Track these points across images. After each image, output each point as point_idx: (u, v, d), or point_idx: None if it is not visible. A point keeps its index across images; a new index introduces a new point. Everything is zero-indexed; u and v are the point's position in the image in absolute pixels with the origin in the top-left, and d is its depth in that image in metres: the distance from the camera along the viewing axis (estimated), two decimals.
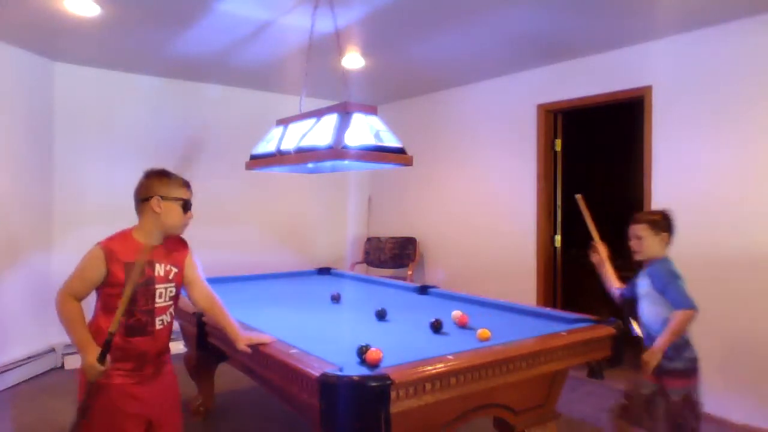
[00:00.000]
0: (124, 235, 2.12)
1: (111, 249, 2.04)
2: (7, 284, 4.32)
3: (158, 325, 2.16)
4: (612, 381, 4.38)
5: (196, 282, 2.32)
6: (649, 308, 2.67)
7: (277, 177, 5.64)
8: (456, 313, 2.63)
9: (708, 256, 3.70)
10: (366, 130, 2.69)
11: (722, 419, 3.61)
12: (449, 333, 2.44)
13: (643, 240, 2.67)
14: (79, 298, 2.03)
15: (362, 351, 1.95)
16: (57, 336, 4.79)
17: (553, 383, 2.47)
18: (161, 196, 2.10)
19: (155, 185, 2.12)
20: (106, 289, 2.02)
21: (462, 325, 2.57)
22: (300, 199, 6.19)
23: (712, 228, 3.69)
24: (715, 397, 3.67)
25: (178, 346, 5.03)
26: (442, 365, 1.84)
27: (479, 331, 2.27)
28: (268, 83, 5.53)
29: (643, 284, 2.72)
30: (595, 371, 2.60)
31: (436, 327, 2.48)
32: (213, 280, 4.08)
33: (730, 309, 3.59)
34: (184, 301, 3.19)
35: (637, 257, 2.74)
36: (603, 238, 3.12)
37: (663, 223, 2.67)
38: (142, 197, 2.12)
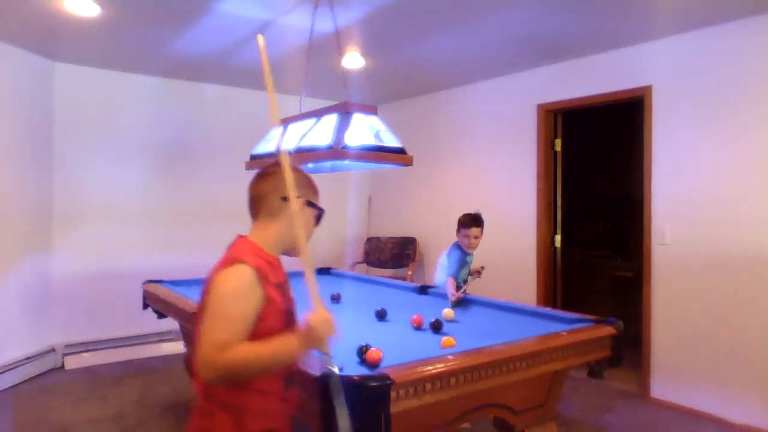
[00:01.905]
0: (252, 246, 1.51)
1: (259, 266, 1.42)
2: (7, 284, 4.32)
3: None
4: (612, 381, 4.39)
5: None
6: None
7: None
8: (447, 312, 2.69)
9: (708, 255, 3.70)
10: (366, 130, 2.69)
11: (722, 419, 3.61)
12: (448, 332, 2.44)
13: (479, 239, 3.52)
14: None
15: (362, 351, 1.95)
16: (57, 336, 4.80)
17: (553, 383, 2.47)
18: (308, 201, 1.59)
19: (301, 183, 1.56)
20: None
21: (418, 326, 2.58)
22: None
23: (712, 227, 3.69)
24: (715, 397, 3.67)
25: (178, 346, 5.06)
26: (442, 365, 1.84)
27: (443, 339, 2.22)
28: None
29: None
30: (595, 371, 2.60)
31: (436, 327, 2.48)
32: None
33: (730, 308, 3.59)
34: (184, 300, 3.21)
35: (471, 251, 3.53)
36: (603, 237, 3.12)
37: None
38: (282, 194, 1.52)
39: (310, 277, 1.49)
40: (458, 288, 3.29)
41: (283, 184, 1.48)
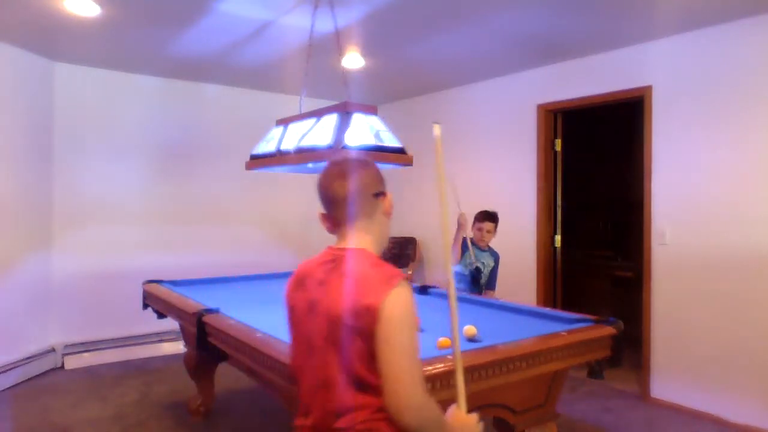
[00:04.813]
0: (373, 255, 1.38)
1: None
2: (8, 284, 4.32)
3: None
4: (612, 381, 4.39)
5: None
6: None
7: (277, 177, 5.63)
8: (469, 330, 2.36)
9: (708, 255, 3.70)
10: (366, 130, 2.69)
11: (722, 419, 3.61)
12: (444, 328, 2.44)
13: (492, 234, 3.80)
14: None
15: None
16: (57, 336, 4.80)
17: (553, 383, 2.47)
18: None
19: (381, 178, 1.44)
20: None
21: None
22: (300, 199, 6.19)
23: (712, 227, 3.69)
24: (715, 397, 3.67)
25: (178, 347, 5.06)
26: (442, 365, 1.84)
27: (440, 340, 2.20)
28: (268, 83, 5.53)
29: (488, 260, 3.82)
30: (595, 371, 2.61)
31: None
32: (213, 280, 4.11)
33: (731, 308, 3.59)
34: (184, 300, 3.21)
35: (482, 244, 3.81)
36: (603, 237, 3.12)
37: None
38: (375, 191, 1.41)
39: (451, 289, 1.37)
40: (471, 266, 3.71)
41: (372, 180, 1.39)
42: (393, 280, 1.24)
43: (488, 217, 3.81)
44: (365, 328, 1.21)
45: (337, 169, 1.40)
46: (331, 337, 1.25)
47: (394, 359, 1.19)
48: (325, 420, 1.28)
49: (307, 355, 1.32)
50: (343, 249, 1.37)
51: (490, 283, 3.86)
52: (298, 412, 1.39)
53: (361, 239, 1.39)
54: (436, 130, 1.49)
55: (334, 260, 1.35)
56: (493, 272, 3.89)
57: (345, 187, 1.36)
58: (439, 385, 1.81)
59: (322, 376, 1.28)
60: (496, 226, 3.84)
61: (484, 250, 3.84)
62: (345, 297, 1.24)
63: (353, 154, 1.45)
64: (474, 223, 3.83)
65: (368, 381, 1.23)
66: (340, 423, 1.25)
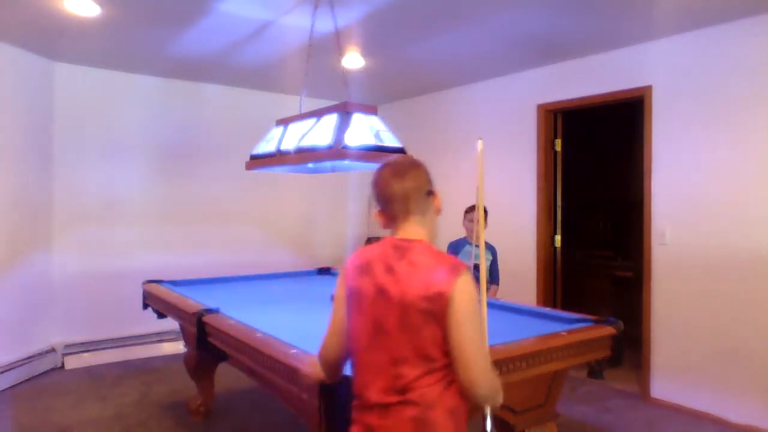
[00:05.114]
0: (436, 248, 1.52)
1: None
2: (8, 284, 4.32)
3: None
4: (612, 381, 4.39)
5: None
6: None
7: (277, 177, 5.64)
8: None
9: (708, 255, 3.70)
10: (366, 130, 2.69)
11: (722, 419, 3.61)
12: None
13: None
14: None
15: None
16: (57, 336, 4.80)
17: (553, 383, 2.47)
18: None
19: (431, 178, 1.57)
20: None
21: None
22: (300, 199, 6.19)
23: (712, 227, 3.69)
24: (715, 397, 3.68)
25: (178, 347, 5.06)
26: None
27: None
28: (268, 83, 5.53)
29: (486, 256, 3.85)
30: (595, 371, 2.61)
31: None
32: (214, 280, 4.12)
33: (731, 308, 3.59)
34: (184, 300, 3.21)
35: (470, 237, 3.86)
36: (603, 237, 3.13)
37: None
38: (428, 189, 1.54)
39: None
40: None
41: (426, 179, 1.52)
42: (458, 268, 1.39)
43: (474, 208, 3.88)
44: (437, 312, 1.36)
45: (393, 169, 1.51)
46: (404, 320, 1.39)
47: (465, 338, 1.36)
48: (393, 394, 1.40)
49: (375, 335, 1.43)
50: (407, 240, 1.49)
51: (492, 278, 3.92)
52: (355, 389, 1.50)
53: (418, 232, 1.51)
54: (479, 145, 1.66)
55: (399, 249, 1.47)
56: (493, 266, 3.95)
57: (402, 185, 1.48)
58: None
59: (394, 354, 1.40)
60: (485, 217, 3.89)
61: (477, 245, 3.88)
62: (417, 284, 1.38)
63: (406, 156, 1.56)
64: (464, 219, 3.95)
65: (435, 357, 1.38)
66: (411, 396, 1.39)
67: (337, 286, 1.57)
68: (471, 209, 3.92)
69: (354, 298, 1.49)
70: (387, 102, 6.38)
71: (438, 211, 1.58)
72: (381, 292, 1.43)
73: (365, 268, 1.48)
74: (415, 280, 1.39)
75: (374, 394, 1.43)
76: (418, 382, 1.38)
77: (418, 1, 3.29)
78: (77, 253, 4.90)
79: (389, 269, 1.44)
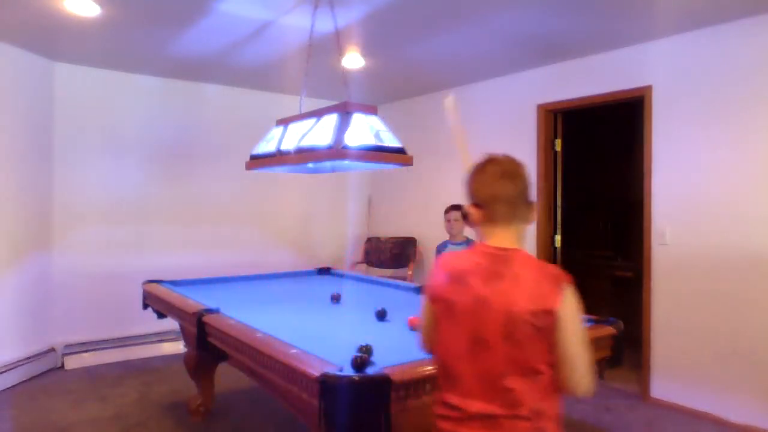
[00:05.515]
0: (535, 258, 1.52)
1: None
2: (7, 284, 4.32)
3: None
4: (612, 381, 4.39)
5: None
6: None
7: (277, 177, 5.64)
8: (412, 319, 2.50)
9: (708, 255, 3.70)
10: (366, 130, 2.69)
11: (722, 419, 3.61)
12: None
13: (458, 223, 3.95)
14: None
15: (362, 350, 1.95)
16: (57, 336, 4.80)
17: None
18: None
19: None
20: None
21: (414, 327, 2.57)
22: (300, 199, 6.19)
23: (712, 227, 3.69)
24: (715, 397, 3.68)
25: (178, 347, 5.06)
26: None
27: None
28: (268, 83, 5.53)
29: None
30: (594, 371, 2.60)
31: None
32: (213, 280, 4.12)
33: (730, 308, 3.59)
34: (184, 300, 3.21)
35: (455, 236, 4.02)
36: (603, 237, 3.13)
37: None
38: (528, 197, 1.50)
39: None
40: None
41: (529, 185, 1.48)
42: (562, 281, 1.39)
43: (453, 207, 4.00)
44: (545, 326, 1.35)
45: (502, 168, 1.47)
46: (510, 333, 1.36)
47: (573, 350, 1.38)
48: (500, 406, 1.38)
49: (472, 346, 1.40)
50: (504, 249, 1.44)
51: None
52: (447, 399, 1.46)
53: (515, 240, 1.47)
54: (449, 102, 1.73)
55: (499, 259, 1.43)
56: None
57: (512, 188, 1.45)
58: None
59: (498, 366, 1.38)
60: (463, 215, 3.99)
61: (459, 243, 3.99)
62: (523, 298, 1.36)
63: (510, 156, 1.51)
64: (444, 220, 4.08)
65: (539, 369, 1.38)
66: (521, 410, 1.37)
67: (425, 290, 1.56)
68: (450, 209, 4.01)
69: (447, 307, 1.45)
70: (387, 102, 6.38)
71: (532, 221, 1.52)
72: (481, 303, 1.39)
73: (459, 278, 1.44)
74: (521, 294, 1.36)
75: (476, 404, 1.39)
76: (527, 395, 1.37)
77: (418, 1, 3.29)
78: (77, 253, 4.90)
79: (489, 280, 1.40)
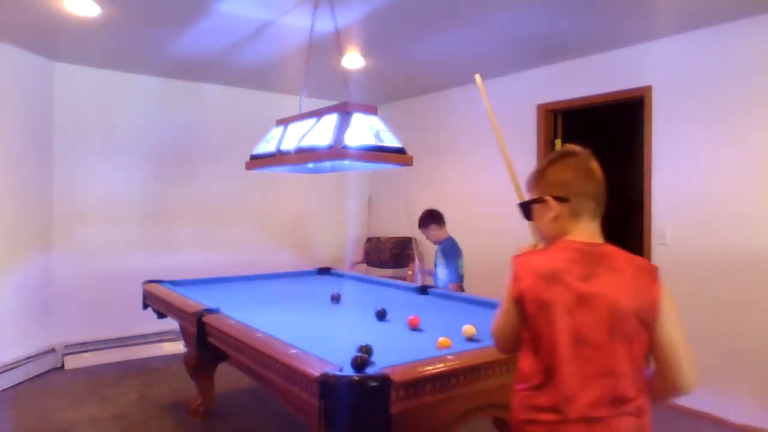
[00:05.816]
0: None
1: None
2: (7, 284, 4.32)
3: None
4: None
5: None
6: (441, 270, 4.04)
7: (277, 177, 5.64)
8: (469, 329, 2.38)
9: (708, 255, 3.70)
10: (366, 130, 2.69)
11: (722, 419, 3.61)
12: (423, 329, 2.44)
13: (431, 231, 4.07)
14: None
15: (362, 350, 1.95)
16: (57, 336, 4.80)
17: None
18: None
19: None
20: None
21: (414, 327, 2.58)
22: (300, 199, 6.19)
23: (712, 227, 3.69)
24: (715, 397, 3.67)
25: (178, 347, 5.06)
26: (442, 365, 1.84)
27: (439, 340, 2.20)
28: (268, 83, 5.53)
29: (438, 256, 4.08)
30: None
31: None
32: (213, 280, 4.12)
33: (731, 308, 3.59)
34: (184, 301, 3.21)
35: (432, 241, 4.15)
36: (603, 238, 3.13)
37: (438, 216, 4.10)
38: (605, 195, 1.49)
39: None
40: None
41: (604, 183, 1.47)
42: (656, 273, 1.39)
43: (419, 224, 4.13)
44: (648, 320, 1.35)
45: (585, 163, 1.47)
46: (617, 330, 1.34)
47: (678, 340, 1.37)
48: (605, 407, 1.34)
49: (575, 346, 1.35)
50: (596, 244, 1.43)
51: (451, 277, 3.93)
52: (546, 402, 1.39)
53: (599, 235, 1.46)
54: (478, 79, 1.82)
55: (593, 255, 1.40)
56: (448, 265, 3.94)
57: (601, 183, 1.45)
58: (439, 385, 1.82)
59: (605, 365, 1.35)
60: (428, 223, 4.06)
61: (442, 243, 4.08)
62: (627, 292, 1.35)
63: (583, 149, 1.51)
64: (422, 235, 4.22)
65: (641, 365, 1.37)
66: (627, 407, 1.35)
67: (507, 291, 1.45)
68: (420, 226, 4.11)
69: (539, 308, 1.38)
70: (387, 102, 6.38)
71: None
72: (583, 300, 1.34)
73: (553, 277, 1.38)
74: (624, 289, 1.35)
75: (580, 408, 1.34)
76: (633, 393, 1.35)
77: (418, 1, 3.29)
78: (77, 253, 4.90)
79: (587, 277, 1.36)
